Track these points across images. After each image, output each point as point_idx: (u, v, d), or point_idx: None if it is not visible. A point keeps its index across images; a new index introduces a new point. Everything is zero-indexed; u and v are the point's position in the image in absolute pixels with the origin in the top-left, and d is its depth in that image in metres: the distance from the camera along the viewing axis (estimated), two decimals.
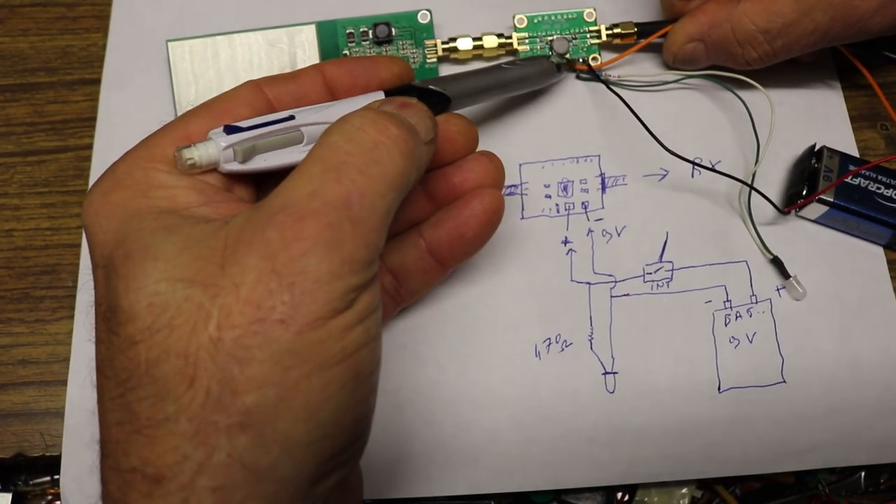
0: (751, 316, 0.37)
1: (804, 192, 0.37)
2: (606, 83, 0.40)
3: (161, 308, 0.22)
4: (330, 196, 0.23)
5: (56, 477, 0.39)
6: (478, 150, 0.33)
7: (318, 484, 0.23)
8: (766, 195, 0.37)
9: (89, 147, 0.40)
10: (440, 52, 0.41)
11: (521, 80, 0.37)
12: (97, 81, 0.41)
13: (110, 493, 0.22)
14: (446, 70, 0.41)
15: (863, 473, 0.40)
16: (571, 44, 0.41)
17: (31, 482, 0.39)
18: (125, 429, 0.22)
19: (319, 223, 0.22)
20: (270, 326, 0.21)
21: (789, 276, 0.37)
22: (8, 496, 0.38)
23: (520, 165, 0.40)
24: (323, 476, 0.23)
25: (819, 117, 0.41)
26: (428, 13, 0.41)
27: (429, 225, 0.33)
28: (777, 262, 0.37)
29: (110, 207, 0.25)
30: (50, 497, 0.40)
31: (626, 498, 0.39)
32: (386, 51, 0.41)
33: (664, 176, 0.39)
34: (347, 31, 0.40)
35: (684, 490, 0.38)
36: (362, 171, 0.23)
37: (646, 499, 0.38)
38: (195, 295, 0.22)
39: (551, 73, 0.39)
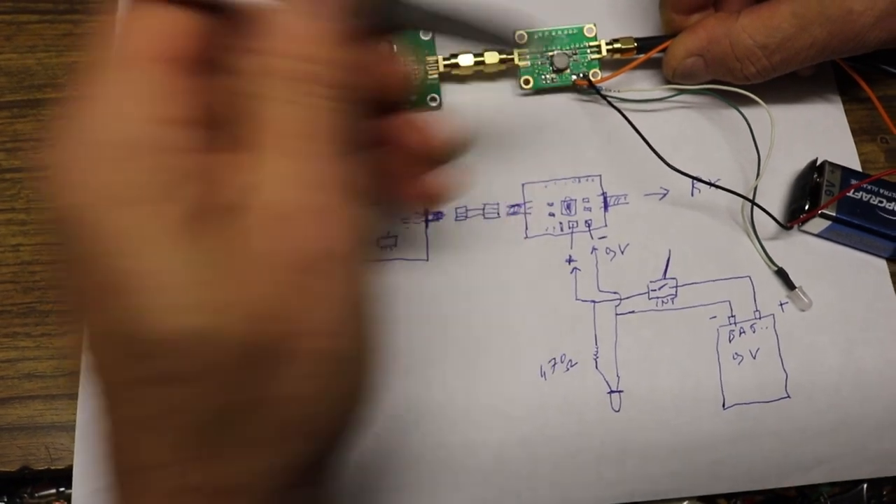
0: (754, 332, 0.34)
1: (806, 207, 0.35)
2: (606, 97, 0.37)
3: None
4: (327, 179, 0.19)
5: (62, 490, 0.37)
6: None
7: None
8: (768, 210, 0.35)
9: None
10: (441, 69, 0.37)
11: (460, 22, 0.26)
12: None
13: None
14: (447, 87, 0.38)
15: (865, 486, 0.37)
16: (572, 59, 0.38)
17: (36, 494, 0.37)
18: None
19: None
20: None
21: (794, 287, 0.34)
22: None
23: (522, 185, 0.37)
24: None
25: (820, 131, 0.38)
26: None
27: None
28: (782, 274, 0.35)
29: None
30: None
31: None
32: None
33: (665, 195, 0.37)
34: None
35: (685, 503, 0.36)
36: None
37: None
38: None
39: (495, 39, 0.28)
